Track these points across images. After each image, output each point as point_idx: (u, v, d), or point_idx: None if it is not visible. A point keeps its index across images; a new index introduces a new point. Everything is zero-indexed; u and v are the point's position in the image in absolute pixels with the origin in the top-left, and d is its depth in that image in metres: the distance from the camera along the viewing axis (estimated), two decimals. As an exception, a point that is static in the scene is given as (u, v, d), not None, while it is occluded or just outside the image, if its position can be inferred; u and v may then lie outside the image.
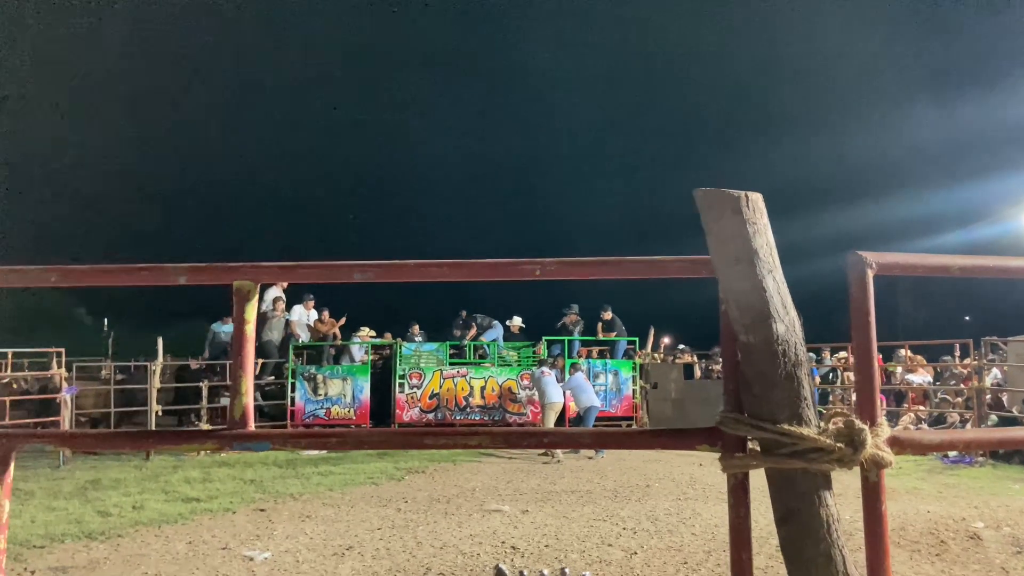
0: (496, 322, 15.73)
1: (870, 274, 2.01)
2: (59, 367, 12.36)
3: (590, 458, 12.15)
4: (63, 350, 12.67)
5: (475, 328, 15.54)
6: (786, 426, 1.94)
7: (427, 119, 59.25)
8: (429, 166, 59.55)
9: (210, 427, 11.90)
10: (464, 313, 15.92)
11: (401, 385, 14.66)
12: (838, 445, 1.92)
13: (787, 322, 1.97)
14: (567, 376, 13.60)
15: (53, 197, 46.27)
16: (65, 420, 11.68)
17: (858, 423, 1.95)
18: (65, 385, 12.08)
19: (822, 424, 2.00)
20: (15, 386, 13.49)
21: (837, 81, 52.88)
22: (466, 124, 59.91)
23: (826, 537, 1.95)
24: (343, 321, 15.77)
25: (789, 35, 51.28)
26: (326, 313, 15.66)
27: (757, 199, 1.97)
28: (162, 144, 52.83)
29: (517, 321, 16.10)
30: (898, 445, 2.02)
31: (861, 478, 1.99)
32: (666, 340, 21.99)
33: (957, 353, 15.50)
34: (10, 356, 14.83)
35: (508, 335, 15.96)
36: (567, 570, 5.65)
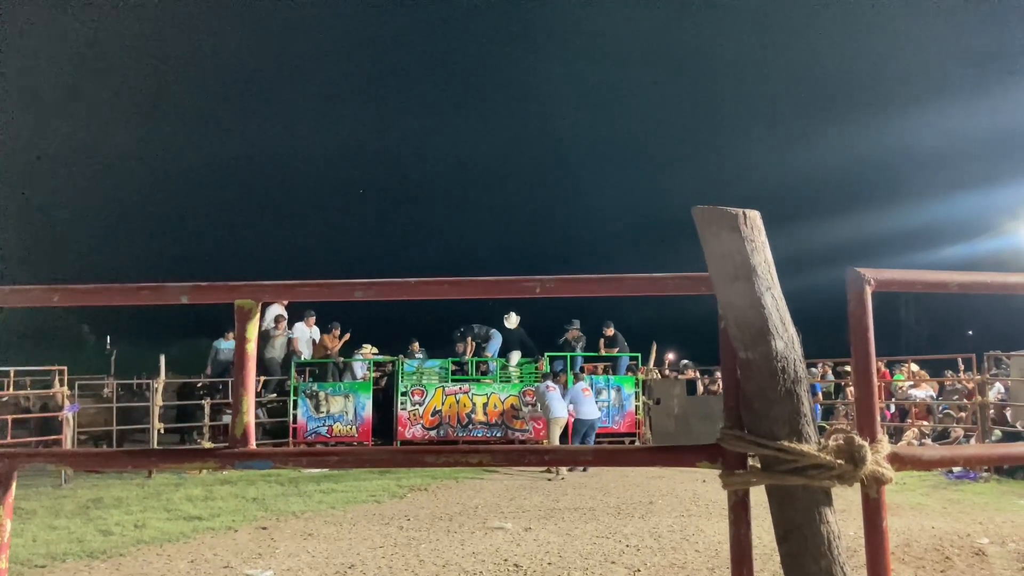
0: (495, 331, 15.62)
1: (868, 290, 2.02)
2: (61, 385, 12.36)
3: (584, 470, 12.12)
4: (65, 368, 12.66)
5: (472, 340, 15.45)
6: (786, 443, 1.94)
7: (429, 120, 59.16)
8: (432, 168, 59.51)
9: (212, 445, 11.91)
10: (462, 328, 15.82)
11: (403, 402, 14.64)
12: (838, 461, 1.92)
13: (786, 339, 1.98)
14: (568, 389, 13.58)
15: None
16: (67, 439, 11.66)
17: (858, 439, 1.95)
18: (67, 403, 12.08)
19: (822, 440, 2.01)
20: (17, 404, 13.48)
21: (832, 88, 52.66)
22: (466, 126, 59.87)
23: (827, 554, 1.95)
24: (346, 338, 15.76)
25: (777, 38, 50.86)
26: (337, 330, 15.64)
27: (755, 217, 1.99)
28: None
29: (513, 318, 15.82)
30: (899, 461, 2.02)
31: (862, 495, 1.99)
32: (669, 356, 21.92)
33: (961, 367, 15.45)
34: (12, 375, 14.82)
35: (508, 336, 15.72)
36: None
